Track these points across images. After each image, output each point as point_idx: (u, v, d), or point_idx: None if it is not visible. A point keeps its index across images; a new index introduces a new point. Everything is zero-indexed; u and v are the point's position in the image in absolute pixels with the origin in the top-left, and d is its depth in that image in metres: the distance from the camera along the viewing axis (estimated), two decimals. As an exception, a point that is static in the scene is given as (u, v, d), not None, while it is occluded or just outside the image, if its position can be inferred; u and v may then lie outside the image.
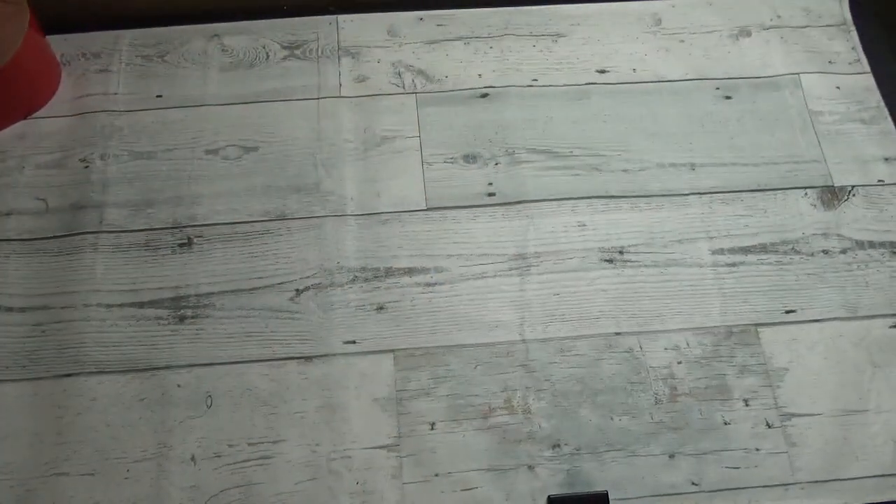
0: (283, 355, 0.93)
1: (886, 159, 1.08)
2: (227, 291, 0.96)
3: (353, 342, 0.94)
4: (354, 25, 1.16)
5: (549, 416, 0.90)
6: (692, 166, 1.06)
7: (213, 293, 0.96)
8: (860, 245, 1.02)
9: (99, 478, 0.86)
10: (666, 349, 0.95)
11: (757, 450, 0.89)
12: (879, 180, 1.06)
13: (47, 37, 1.08)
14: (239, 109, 1.09)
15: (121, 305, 0.95)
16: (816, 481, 0.88)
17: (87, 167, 1.04)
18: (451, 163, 1.06)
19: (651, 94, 1.12)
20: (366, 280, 0.97)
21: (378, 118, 1.08)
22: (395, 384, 0.92)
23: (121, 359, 0.92)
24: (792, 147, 1.08)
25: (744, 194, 1.05)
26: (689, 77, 1.13)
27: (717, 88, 1.13)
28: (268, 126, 1.07)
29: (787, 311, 0.97)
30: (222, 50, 1.14)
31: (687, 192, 1.05)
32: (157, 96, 1.09)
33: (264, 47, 1.14)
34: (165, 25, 1.15)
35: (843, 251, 1.01)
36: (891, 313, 0.97)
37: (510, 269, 0.99)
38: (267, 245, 0.99)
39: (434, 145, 1.07)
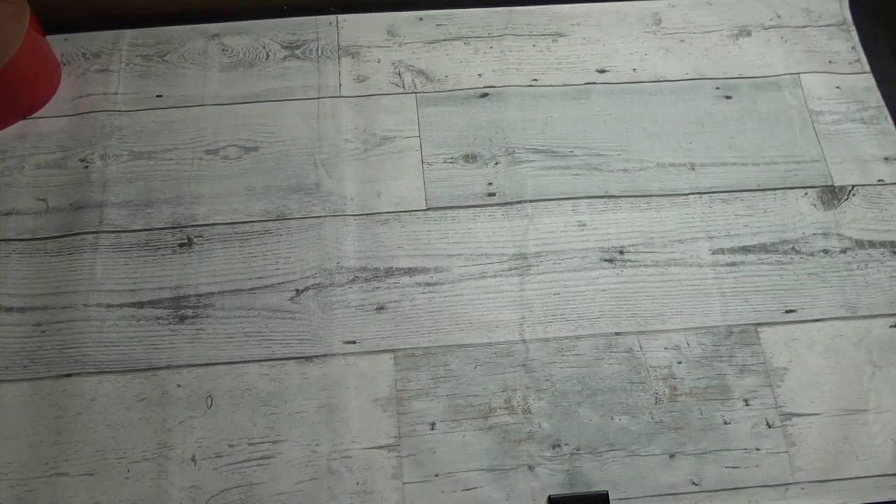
0: (283, 355, 0.93)
1: (886, 159, 1.08)
2: (227, 291, 0.96)
3: (353, 342, 0.94)
4: (354, 25, 1.16)
5: (549, 416, 0.90)
6: (692, 166, 1.06)
7: (213, 293, 0.96)
8: (860, 245, 1.02)
9: (99, 478, 0.86)
10: (666, 349, 0.95)
11: (757, 449, 0.89)
12: (879, 180, 1.06)
13: (47, 37, 1.08)
14: (239, 109, 1.09)
15: (121, 305, 0.95)
16: (816, 481, 0.88)
17: (87, 167, 1.04)
18: (451, 163, 1.06)
19: (651, 94, 1.12)
20: (366, 280, 0.97)
21: (378, 118, 1.08)
22: (395, 384, 0.92)
23: (121, 359, 0.92)
24: (792, 147, 1.08)
25: (744, 194, 1.05)
26: (688, 77, 1.13)
27: (717, 88, 1.13)
28: (268, 126, 1.07)
29: (787, 311, 0.97)
30: (222, 50, 1.14)
31: (687, 191, 1.05)
32: (157, 96, 1.09)
33: (264, 47, 1.14)
34: (165, 25, 1.15)
35: (843, 251, 1.01)
36: (891, 313, 0.97)
37: (510, 269, 0.99)
38: (267, 245, 0.99)
39: (434, 145, 1.07)
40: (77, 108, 1.08)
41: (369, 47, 1.14)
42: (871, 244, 1.02)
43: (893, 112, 1.11)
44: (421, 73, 1.12)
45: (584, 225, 1.02)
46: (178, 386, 0.91)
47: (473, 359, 0.93)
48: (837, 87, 1.13)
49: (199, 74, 1.11)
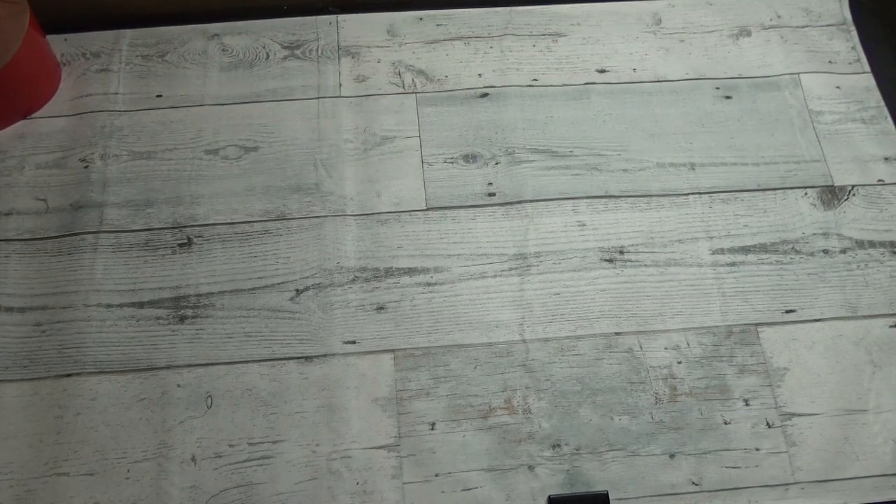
0: (283, 355, 0.93)
1: (886, 159, 1.08)
2: (227, 291, 0.96)
3: (353, 342, 0.94)
4: (354, 25, 1.16)
5: (549, 416, 0.90)
6: (692, 166, 1.06)
7: (213, 293, 0.96)
8: (860, 245, 1.02)
9: (99, 478, 0.86)
10: (666, 349, 0.95)
11: (757, 450, 0.89)
12: (879, 180, 1.06)
13: (47, 37, 1.08)
14: (239, 109, 1.09)
15: (121, 305, 0.95)
16: (816, 481, 0.88)
17: (87, 167, 1.04)
18: (451, 163, 1.06)
19: (651, 94, 1.12)
20: (366, 280, 0.97)
21: (378, 118, 1.08)
22: (395, 384, 0.92)
23: (121, 359, 0.92)
24: (792, 147, 1.08)
25: (744, 194, 1.05)
26: (689, 77, 1.13)
27: (717, 88, 1.13)
28: (268, 126, 1.07)
29: (787, 311, 0.97)
30: (222, 50, 1.14)
31: (687, 191, 1.05)
32: (157, 96, 1.09)
33: (264, 47, 1.14)
34: (165, 25, 1.15)
35: (843, 251, 1.01)
36: (890, 313, 0.97)
37: (510, 269, 0.99)
38: (267, 245, 0.99)
39: (434, 145, 1.07)
40: (77, 108, 1.08)
41: (369, 47, 1.15)
42: (871, 244, 1.02)
43: (893, 112, 1.11)
44: (421, 73, 1.12)
45: (584, 225, 1.02)
46: (178, 386, 0.91)
47: (473, 359, 0.93)
48: (837, 87, 1.13)
49: (199, 74, 1.11)
